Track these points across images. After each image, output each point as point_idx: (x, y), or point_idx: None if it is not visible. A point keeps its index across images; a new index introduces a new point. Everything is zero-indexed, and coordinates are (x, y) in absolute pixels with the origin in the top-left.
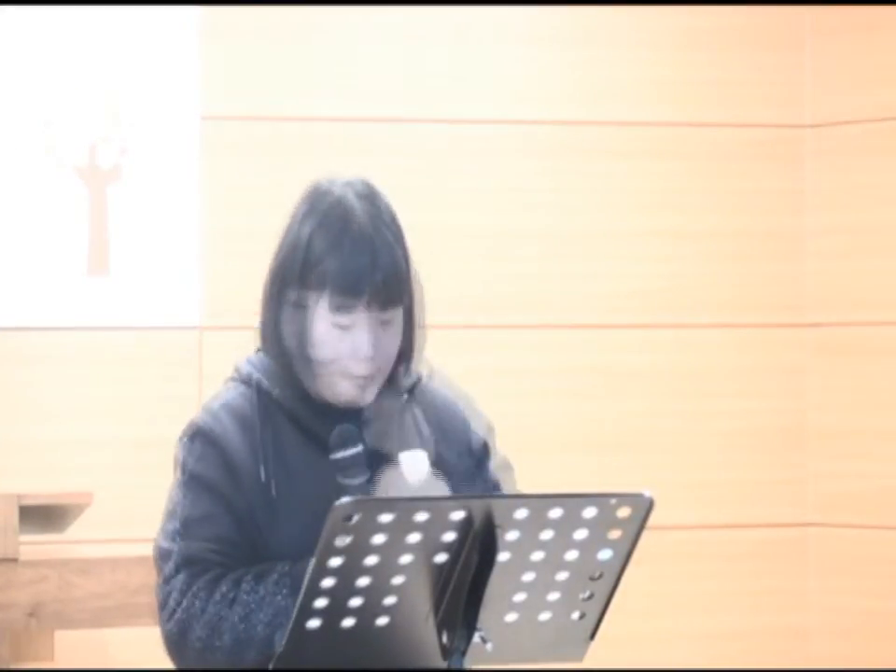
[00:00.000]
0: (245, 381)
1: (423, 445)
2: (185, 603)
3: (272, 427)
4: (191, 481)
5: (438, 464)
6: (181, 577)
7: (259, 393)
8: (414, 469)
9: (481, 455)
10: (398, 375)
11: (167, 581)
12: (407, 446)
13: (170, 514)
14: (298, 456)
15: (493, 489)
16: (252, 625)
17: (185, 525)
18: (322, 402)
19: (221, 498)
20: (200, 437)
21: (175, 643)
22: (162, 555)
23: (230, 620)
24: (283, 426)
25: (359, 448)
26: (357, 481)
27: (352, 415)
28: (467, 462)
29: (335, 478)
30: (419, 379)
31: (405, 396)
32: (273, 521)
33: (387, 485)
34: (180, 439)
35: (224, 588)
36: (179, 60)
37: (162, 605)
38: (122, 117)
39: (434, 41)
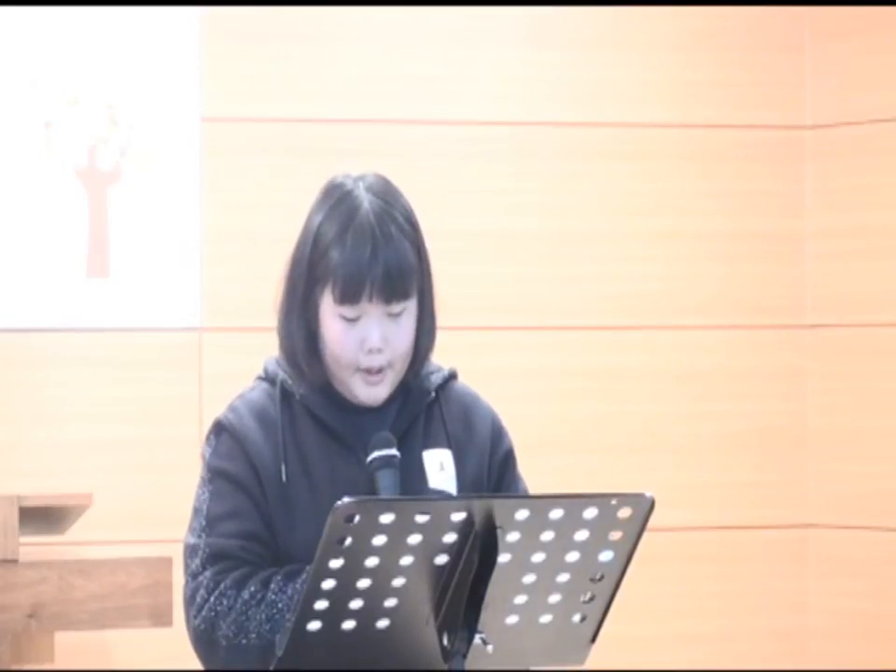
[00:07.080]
0: (271, 380)
1: (449, 445)
2: (212, 600)
3: (294, 427)
4: (215, 476)
5: (460, 465)
6: (208, 573)
7: (283, 392)
8: (438, 469)
9: (506, 460)
10: (422, 371)
11: (194, 576)
12: (433, 445)
13: (196, 511)
14: (319, 457)
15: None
16: (278, 625)
17: (210, 521)
18: (344, 402)
19: (247, 494)
20: (223, 433)
21: (203, 640)
22: (189, 552)
23: (256, 619)
24: (305, 425)
25: (394, 451)
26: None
27: (376, 413)
28: (491, 466)
29: (361, 479)
30: (449, 377)
31: (433, 394)
32: (291, 520)
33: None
34: (206, 437)
35: (253, 587)
36: (179, 61)
37: (190, 601)
38: (122, 118)
39: (432, 43)
